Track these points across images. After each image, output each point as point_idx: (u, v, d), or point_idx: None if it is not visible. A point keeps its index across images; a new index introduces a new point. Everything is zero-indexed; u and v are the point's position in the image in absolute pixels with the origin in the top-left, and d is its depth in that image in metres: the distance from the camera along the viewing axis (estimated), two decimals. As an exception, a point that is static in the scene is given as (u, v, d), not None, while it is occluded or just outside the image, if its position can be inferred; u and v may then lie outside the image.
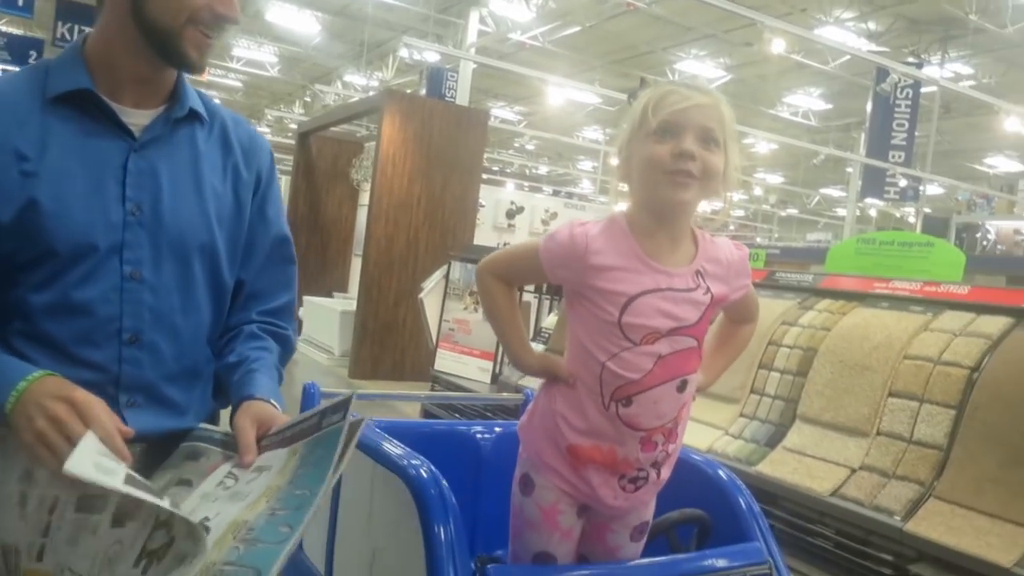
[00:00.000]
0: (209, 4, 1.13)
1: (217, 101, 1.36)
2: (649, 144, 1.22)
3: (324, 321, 9.64)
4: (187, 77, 1.25)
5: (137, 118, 1.17)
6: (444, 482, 1.20)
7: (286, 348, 1.33)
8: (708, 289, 1.27)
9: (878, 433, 3.17)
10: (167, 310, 1.18)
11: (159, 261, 1.16)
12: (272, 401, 1.18)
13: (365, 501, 1.38)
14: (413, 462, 1.28)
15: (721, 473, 1.48)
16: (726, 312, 1.45)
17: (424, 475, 1.21)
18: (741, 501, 1.43)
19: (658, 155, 1.21)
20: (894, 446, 3.09)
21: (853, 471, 3.14)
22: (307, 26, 15.23)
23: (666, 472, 1.33)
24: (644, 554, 1.33)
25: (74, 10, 11.33)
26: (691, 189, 1.22)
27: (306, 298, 10.38)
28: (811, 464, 3.28)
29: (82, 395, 0.99)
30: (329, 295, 10.43)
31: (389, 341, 8.19)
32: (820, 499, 3.10)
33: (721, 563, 1.25)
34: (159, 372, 1.18)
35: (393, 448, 1.37)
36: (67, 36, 11.36)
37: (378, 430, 1.47)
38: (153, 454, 1.16)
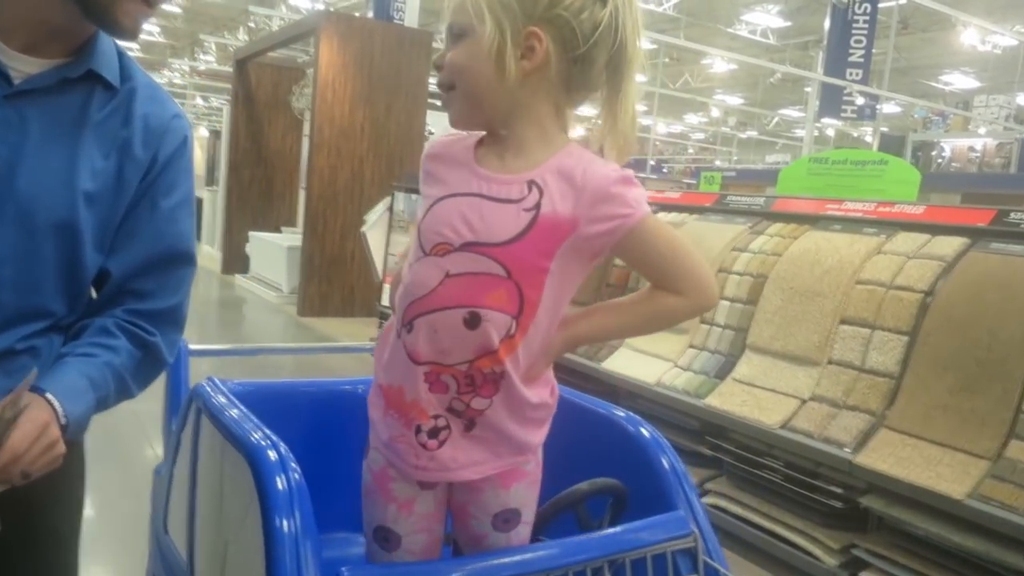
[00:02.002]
0: None
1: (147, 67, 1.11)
2: None
3: (271, 258, 9.34)
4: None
5: (22, 64, 1.01)
6: (294, 465, 0.99)
7: (148, 356, 1.11)
8: (538, 205, 0.99)
9: (829, 362, 3.06)
10: None
11: None
12: (48, 394, 0.96)
13: (216, 482, 1.17)
14: (255, 436, 1.06)
15: (643, 431, 1.29)
16: (635, 270, 1.23)
17: (269, 455, 0.99)
18: (664, 462, 1.25)
19: None
20: (845, 375, 2.98)
21: (803, 402, 3.04)
22: (244, -56, 14.39)
23: (486, 432, 1.05)
24: (553, 535, 1.14)
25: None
26: (452, 104, 1.05)
27: (252, 234, 10.05)
28: (760, 395, 3.17)
29: None
30: (277, 230, 10.10)
31: (337, 277, 7.95)
32: (769, 432, 3.00)
33: (635, 538, 1.06)
34: None
35: (237, 417, 1.15)
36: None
37: (230, 395, 1.24)
38: None
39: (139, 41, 24.76)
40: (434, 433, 1.03)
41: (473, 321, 0.99)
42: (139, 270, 1.11)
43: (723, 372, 3.40)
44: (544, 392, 1.08)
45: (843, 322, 3.06)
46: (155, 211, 1.12)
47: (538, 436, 1.10)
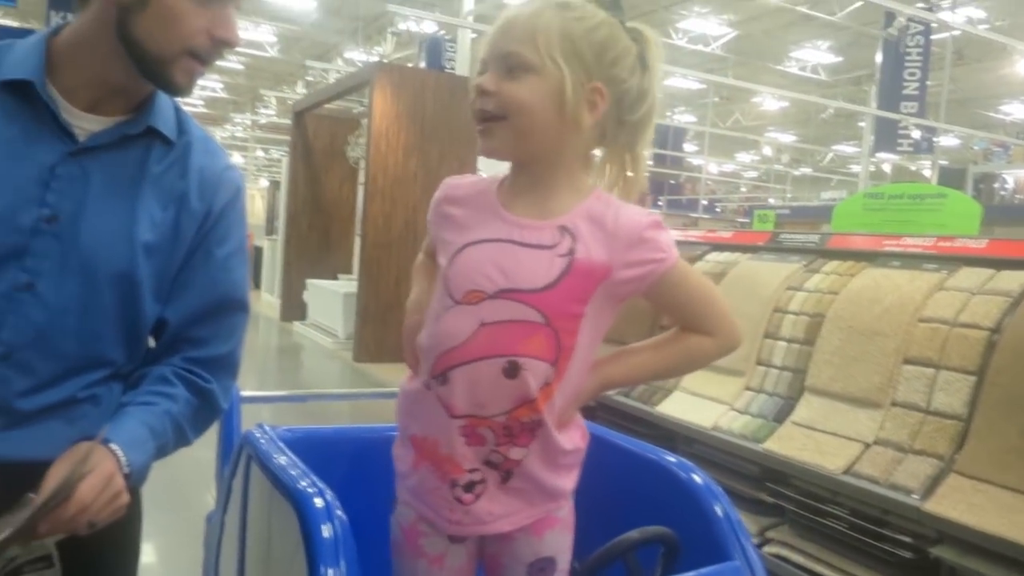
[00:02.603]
0: (208, 29, 1.04)
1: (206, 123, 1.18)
2: None
3: (328, 304, 9.51)
4: None
5: (86, 122, 1.06)
6: (340, 513, 0.99)
7: (205, 404, 1.14)
8: (572, 250, 0.98)
9: (892, 404, 2.95)
10: (56, 331, 1.04)
11: (63, 278, 1.04)
12: (112, 444, 0.98)
13: (264, 528, 1.18)
14: (302, 483, 1.05)
15: (696, 477, 1.26)
16: (664, 313, 1.18)
17: (315, 503, 0.99)
18: (718, 510, 1.21)
19: (471, 101, 1.02)
20: (910, 417, 2.87)
21: (867, 446, 2.93)
22: (303, 2, 14.96)
23: (523, 483, 1.03)
24: (602, 585, 1.11)
25: (66, -1, 11.16)
26: (495, 135, 1.00)
27: (309, 281, 10.26)
28: (821, 439, 3.06)
29: None
30: (334, 277, 10.29)
31: (392, 322, 8.03)
32: (832, 477, 2.89)
33: (690, 591, 1.03)
34: (29, 396, 1.04)
35: (284, 464, 1.15)
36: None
37: (279, 441, 1.25)
38: (14, 482, 0.99)
39: (202, 97, 25.81)
40: (470, 487, 1.02)
41: (512, 370, 0.98)
42: (195, 318, 1.14)
43: (781, 415, 3.31)
44: (576, 436, 1.07)
45: (906, 362, 2.96)
46: (210, 260, 1.15)
47: (571, 482, 1.08)
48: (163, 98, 1.14)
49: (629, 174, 1.06)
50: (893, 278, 3.24)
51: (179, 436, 1.11)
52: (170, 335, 1.15)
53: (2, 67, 1.04)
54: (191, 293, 1.14)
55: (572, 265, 0.98)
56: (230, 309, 1.18)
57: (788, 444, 3.12)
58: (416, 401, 1.05)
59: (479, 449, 1.01)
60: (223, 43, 1.06)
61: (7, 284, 1.02)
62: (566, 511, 1.10)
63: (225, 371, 1.17)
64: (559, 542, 1.09)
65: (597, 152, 1.10)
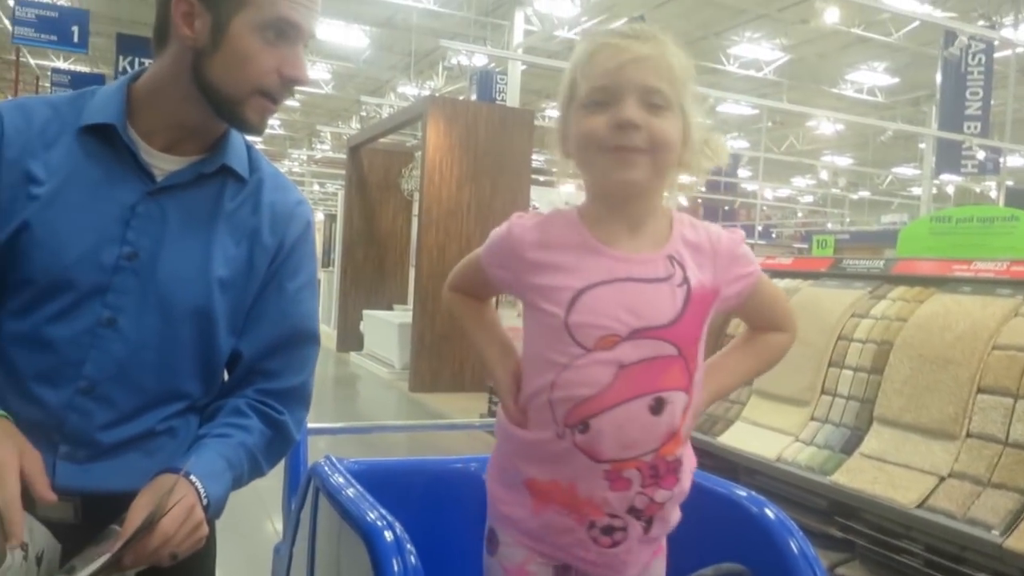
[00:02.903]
0: (277, 69, 1.07)
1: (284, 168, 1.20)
2: (583, 116, 0.99)
3: (383, 335, 9.60)
4: None
5: (164, 162, 1.11)
6: (410, 547, 0.98)
7: (278, 435, 1.15)
8: (685, 279, 0.99)
9: (968, 435, 2.83)
10: (136, 366, 1.07)
11: (142, 313, 1.07)
12: (192, 476, 1.00)
13: (333, 561, 1.18)
14: (371, 516, 1.05)
15: (768, 512, 1.22)
16: (744, 320, 1.18)
17: (386, 536, 0.99)
18: (793, 546, 1.17)
19: (594, 129, 0.97)
20: (987, 449, 2.75)
21: (941, 479, 2.81)
22: (356, 40, 15.35)
23: (660, 528, 1.03)
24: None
25: (135, 44, 11.63)
26: (639, 166, 0.97)
27: (365, 312, 10.39)
28: (893, 472, 2.96)
29: (1, 455, 0.92)
30: (389, 308, 10.40)
31: (447, 352, 8.07)
32: (906, 512, 2.78)
33: (768, 631, 1.00)
34: (110, 429, 1.07)
35: (353, 497, 1.16)
36: (128, 70, 11.61)
37: (347, 474, 1.26)
38: (94, 512, 1.04)
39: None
40: (608, 531, 1.01)
41: (658, 407, 0.98)
42: (268, 350, 1.16)
43: (849, 446, 3.21)
44: (691, 454, 1.07)
45: (981, 391, 2.85)
46: (282, 293, 1.17)
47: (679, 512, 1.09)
48: (236, 137, 1.17)
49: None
50: (965, 304, 3.13)
51: (254, 467, 1.12)
52: (244, 368, 1.17)
53: (86, 112, 1.09)
54: (264, 326, 1.16)
55: (691, 293, 1.00)
56: (301, 341, 1.19)
57: (858, 477, 3.02)
58: (540, 448, 1.02)
59: (623, 495, 0.99)
60: (292, 81, 1.09)
61: (90, 320, 1.05)
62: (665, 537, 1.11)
63: (297, 402, 1.18)
64: (659, 570, 1.11)
65: None
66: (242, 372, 1.17)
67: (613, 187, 1.00)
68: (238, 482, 1.10)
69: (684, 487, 1.04)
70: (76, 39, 10.40)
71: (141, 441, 1.09)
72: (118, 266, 1.06)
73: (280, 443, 1.16)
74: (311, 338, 1.21)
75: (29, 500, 0.92)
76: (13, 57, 13.97)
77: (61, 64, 15.42)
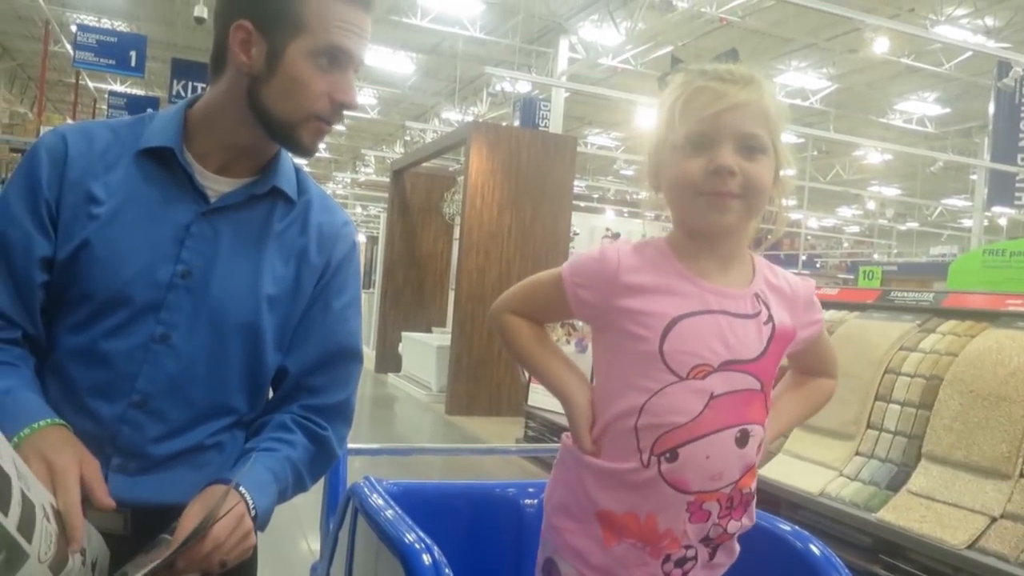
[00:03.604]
0: (329, 94, 1.10)
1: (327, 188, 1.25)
2: (678, 157, 1.01)
3: (421, 357, 9.63)
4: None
5: (218, 184, 1.15)
6: (448, 571, 0.98)
7: (321, 450, 1.18)
8: (771, 317, 1.03)
9: (1021, 475, 2.73)
10: (187, 380, 1.10)
11: (194, 329, 1.10)
12: (241, 488, 1.02)
13: (371, 584, 1.17)
14: (409, 538, 1.05)
15: (814, 548, 1.19)
16: (795, 364, 1.19)
17: (424, 559, 0.99)
18: (839, 584, 1.14)
19: (689, 172, 0.99)
20: (1042, 490, 2.65)
21: (993, 520, 2.72)
22: (402, 66, 15.59)
23: (725, 557, 1.06)
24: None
25: (188, 68, 11.99)
26: (732, 211, 1.00)
27: (404, 334, 10.44)
28: (942, 511, 2.87)
29: (63, 461, 0.95)
30: (428, 330, 10.44)
31: (484, 376, 8.06)
32: (955, 552, 2.69)
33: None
34: (161, 442, 1.10)
35: (391, 518, 1.16)
36: (182, 93, 12.02)
37: (386, 495, 1.26)
38: (143, 524, 1.06)
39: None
40: (681, 563, 1.02)
41: (743, 439, 1.00)
42: (313, 367, 1.18)
43: (896, 483, 3.12)
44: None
45: (1036, 430, 2.75)
46: (328, 312, 1.20)
47: None
48: (285, 159, 1.20)
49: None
50: (1019, 340, 3.04)
51: (298, 481, 1.14)
52: (289, 384, 1.19)
53: (145, 135, 1.13)
54: (310, 343, 1.18)
55: (775, 331, 1.03)
56: (346, 359, 1.21)
57: (905, 515, 2.94)
58: (620, 478, 1.01)
59: (701, 526, 1.01)
60: (343, 106, 1.12)
61: (144, 335, 1.08)
62: None
63: (340, 418, 1.20)
64: None
65: None
66: (288, 388, 1.19)
67: (707, 228, 1.02)
68: (283, 495, 1.12)
69: (753, 519, 1.06)
70: (133, 63, 10.74)
71: (190, 454, 1.11)
72: (172, 283, 1.09)
73: (323, 458, 1.18)
74: (355, 355, 1.23)
75: (85, 507, 0.94)
76: (73, 80, 14.50)
77: (118, 87, 15.93)
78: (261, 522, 1.04)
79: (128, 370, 1.08)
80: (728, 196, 0.98)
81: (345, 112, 1.15)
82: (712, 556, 1.04)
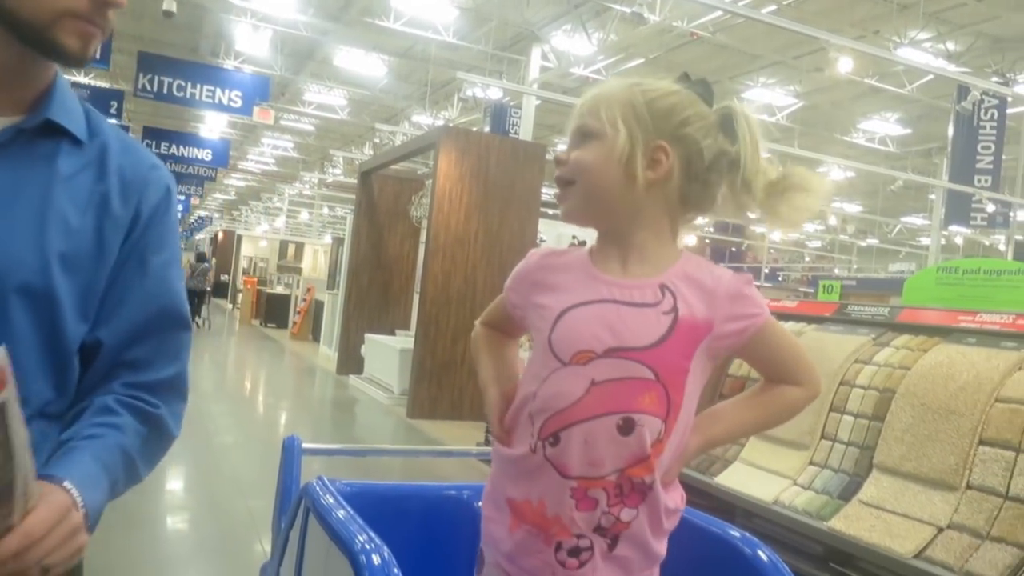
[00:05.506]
0: None
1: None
2: None
3: (384, 359, 9.58)
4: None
5: None
6: (397, 571, 0.97)
7: (154, 432, 1.01)
8: (675, 308, 1.01)
9: (968, 487, 2.80)
10: None
11: None
12: (65, 483, 0.84)
13: (321, 585, 1.17)
14: (360, 539, 1.04)
15: (761, 554, 1.21)
16: (757, 369, 1.18)
17: (373, 559, 0.98)
18: (786, 589, 1.16)
19: None
20: (987, 502, 2.72)
21: (940, 530, 2.78)
22: (374, 69, 15.54)
23: (631, 551, 1.02)
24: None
25: (155, 62, 11.81)
26: (568, 197, 1.07)
27: (367, 336, 10.38)
28: (891, 520, 2.92)
29: None
30: (392, 333, 10.39)
31: (447, 380, 8.05)
32: (902, 561, 2.74)
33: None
34: None
35: (343, 519, 1.14)
36: (147, 87, 11.84)
37: (339, 495, 1.25)
38: None
39: (274, 156, 26.50)
40: (575, 552, 1.01)
41: (627, 427, 0.99)
42: (134, 337, 1.01)
43: (848, 493, 3.17)
44: (677, 496, 1.07)
45: (982, 443, 2.82)
46: (145, 271, 1.03)
47: (665, 545, 1.08)
48: (65, 94, 1.01)
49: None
50: (969, 355, 3.11)
51: (130, 471, 0.98)
52: (106, 359, 1.00)
53: None
54: (127, 308, 1.01)
55: (677, 322, 1.01)
56: (172, 325, 1.05)
57: (855, 524, 2.99)
58: (518, 464, 1.04)
59: (590, 514, 1.00)
60: (105, 3, 0.93)
61: None
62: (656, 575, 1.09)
63: (174, 394, 1.05)
64: None
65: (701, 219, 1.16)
66: (105, 365, 1.00)
67: (563, 219, 1.10)
68: (114, 488, 0.95)
69: (656, 510, 1.03)
70: (98, 55, 10.54)
71: None
72: None
73: (158, 441, 1.02)
74: (182, 321, 1.07)
75: None
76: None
77: (82, 79, 15.63)
78: (92, 520, 0.86)
79: None
80: (560, 183, 1.07)
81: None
82: (612, 548, 1.01)
